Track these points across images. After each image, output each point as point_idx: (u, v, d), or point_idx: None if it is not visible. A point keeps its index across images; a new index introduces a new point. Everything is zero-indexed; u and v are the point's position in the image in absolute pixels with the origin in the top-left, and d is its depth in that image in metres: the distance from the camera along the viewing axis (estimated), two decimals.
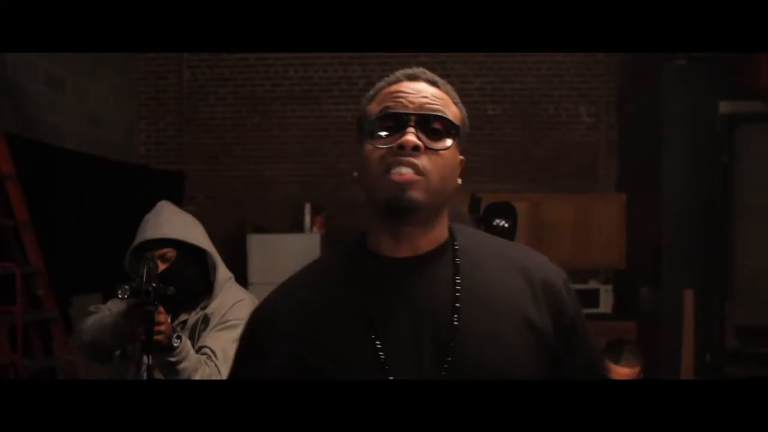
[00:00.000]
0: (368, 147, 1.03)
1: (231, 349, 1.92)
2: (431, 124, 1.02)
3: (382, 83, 1.09)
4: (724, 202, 4.62)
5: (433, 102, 1.04)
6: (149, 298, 1.75)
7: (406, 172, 0.99)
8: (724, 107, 4.61)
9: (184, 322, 2.04)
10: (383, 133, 1.03)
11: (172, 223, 2.03)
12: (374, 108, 1.06)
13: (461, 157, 1.09)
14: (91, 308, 2.14)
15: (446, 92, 1.09)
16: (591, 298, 5.56)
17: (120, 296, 1.77)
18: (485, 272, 1.06)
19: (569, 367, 1.05)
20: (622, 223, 5.58)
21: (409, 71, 1.09)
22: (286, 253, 5.36)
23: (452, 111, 1.07)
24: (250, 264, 5.36)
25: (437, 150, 1.01)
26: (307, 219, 5.58)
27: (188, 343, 1.89)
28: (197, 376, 1.86)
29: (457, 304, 1.01)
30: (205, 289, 2.06)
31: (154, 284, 1.77)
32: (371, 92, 1.10)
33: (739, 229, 4.63)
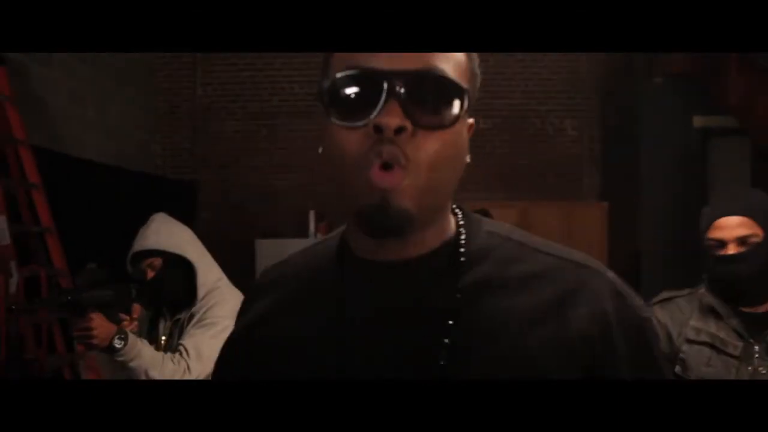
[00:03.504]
0: (335, 126, 0.65)
1: (204, 346, 1.94)
2: (425, 89, 0.64)
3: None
4: (699, 209, 4.63)
5: (426, 53, 0.64)
6: (59, 308, 1.86)
7: (389, 170, 0.61)
8: (698, 121, 4.63)
9: (178, 320, 2.07)
10: (355, 106, 0.63)
11: (158, 233, 2.07)
12: (338, 65, 0.66)
13: (470, 120, 0.73)
14: None
15: None
16: None
17: (35, 304, 1.83)
18: (497, 297, 0.67)
19: None
20: (604, 230, 5.58)
21: None
22: None
23: (454, 63, 0.67)
24: (258, 267, 5.36)
25: (435, 128, 0.64)
26: (312, 225, 5.59)
27: (138, 342, 1.87)
28: (156, 373, 1.84)
29: (447, 341, 0.65)
30: (195, 290, 2.09)
31: (69, 297, 1.83)
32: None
33: None
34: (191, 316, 2.04)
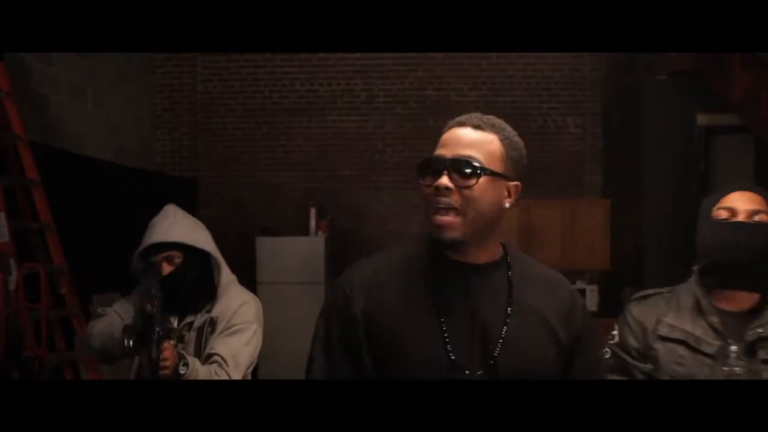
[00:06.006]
0: (422, 183, 1.19)
1: (241, 354, 1.89)
2: (461, 167, 1.15)
3: (445, 127, 1.24)
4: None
5: (467, 147, 1.17)
6: (153, 343, 1.74)
7: (444, 215, 1.14)
8: (701, 119, 4.62)
9: (191, 323, 1.97)
10: (428, 174, 1.17)
11: (179, 227, 1.97)
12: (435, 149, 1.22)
13: (513, 183, 1.23)
14: (99, 311, 2.06)
15: (493, 132, 1.20)
16: None
17: (126, 346, 1.75)
18: (529, 288, 1.22)
19: (570, 369, 1.21)
20: (606, 227, 5.58)
21: (460, 118, 1.22)
22: (292, 255, 5.37)
23: (489, 150, 1.18)
24: (258, 265, 5.36)
25: (467, 187, 1.14)
26: (312, 222, 5.58)
27: (196, 363, 1.83)
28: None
29: (509, 310, 1.18)
30: (210, 291, 1.99)
31: (158, 329, 1.75)
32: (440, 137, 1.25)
33: None
34: (212, 321, 1.94)
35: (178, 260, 1.94)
